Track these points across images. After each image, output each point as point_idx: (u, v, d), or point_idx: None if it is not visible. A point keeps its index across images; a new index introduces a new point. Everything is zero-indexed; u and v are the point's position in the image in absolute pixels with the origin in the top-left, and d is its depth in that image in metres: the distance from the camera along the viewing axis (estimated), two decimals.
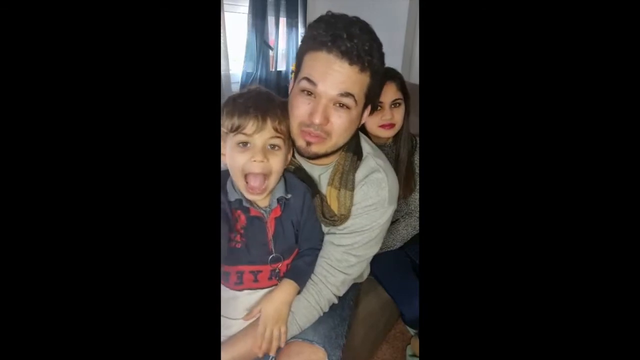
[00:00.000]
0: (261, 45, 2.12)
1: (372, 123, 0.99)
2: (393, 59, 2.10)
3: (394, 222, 1.14)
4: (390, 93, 0.98)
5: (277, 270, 0.72)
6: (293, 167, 0.74)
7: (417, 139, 1.10)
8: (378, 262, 1.10)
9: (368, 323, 1.00)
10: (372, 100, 0.70)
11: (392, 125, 0.99)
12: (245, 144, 0.63)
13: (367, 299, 1.04)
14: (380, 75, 0.68)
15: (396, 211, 1.12)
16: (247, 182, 0.65)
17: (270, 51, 2.22)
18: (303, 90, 0.63)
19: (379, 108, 0.98)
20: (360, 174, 0.74)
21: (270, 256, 0.70)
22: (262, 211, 0.68)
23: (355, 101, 0.64)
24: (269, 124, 0.63)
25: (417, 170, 1.06)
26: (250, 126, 0.62)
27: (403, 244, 1.14)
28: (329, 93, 0.62)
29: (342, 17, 0.63)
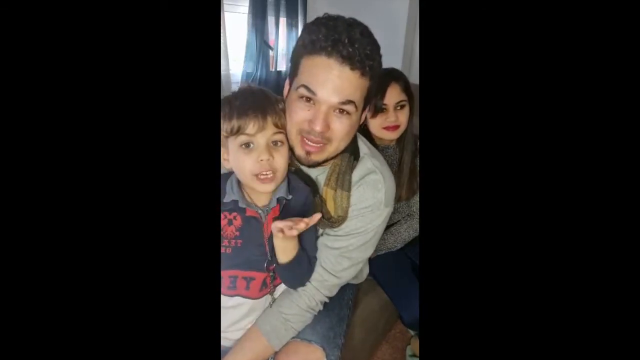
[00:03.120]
0: (261, 45, 2.12)
1: (376, 125, 0.99)
2: (393, 59, 2.11)
3: (395, 223, 1.14)
4: (394, 95, 0.97)
5: (272, 275, 0.70)
6: (294, 168, 0.73)
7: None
8: (378, 263, 1.11)
9: (368, 323, 1.00)
10: (370, 101, 0.69)
11: (396, 127, 0.98)
12: (248, 144, 0.63)
13: (367, 299, 1.03)
14: (378, 77, 0.67)
15: (398, 213, 1.12)
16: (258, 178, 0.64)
17: (270, 51, 2.22)
18: (302, 97, 0.62)
19: (383, 110, 0.98)
20: (356, 174, 0.73)
21: (266, 260, 0.68)
22: (259, 211, 0.68)
23: (356, 107, 0.63)
24: (270, 121, 0.63)
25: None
26: (251, 127, 0.61)
27: (403, 245, 1.14)
28: (330, 100, 0.61)
29: (340, 20, 0.61)
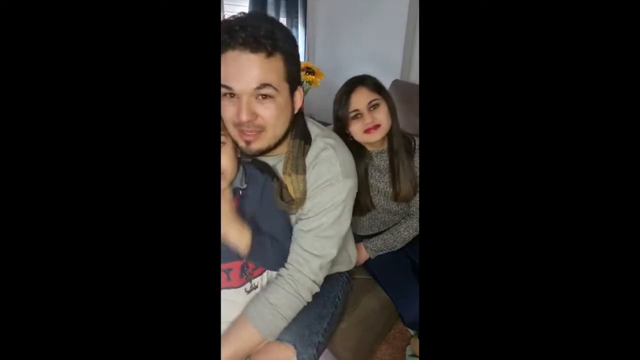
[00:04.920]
0: None
1: (357, 131, 0.98)
2: (393, 59, 2.11)
3: (395, 223, 1.14)
4: (362, 97, 0.96)
5: (246, 266, 0.73)
6: (250, 159, 0.75)
7: (417, 139, 1.09)
8: (378, 263, 1.11)
9: (367, 323, 1.00)
10: (297, 82, 0.71)
11: (376, 127, 0.97)
12: None
13: (367, 299, 1.03)
14: (295, 57, 0.68)
15: (397, 213, 1.12)
16: None
17: None
18: (225, 95, 0.65)
19: (358, 117, 0.97)
20: (310, 156, 0.75)
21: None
22: None
23: (276, 89, 0.65)
24: None
25: (418, 173, 1.05)
26: None
27: (403, 245, 1.14)
28: (246, 89, 0.63)
29: (238, 16, 0.64)
